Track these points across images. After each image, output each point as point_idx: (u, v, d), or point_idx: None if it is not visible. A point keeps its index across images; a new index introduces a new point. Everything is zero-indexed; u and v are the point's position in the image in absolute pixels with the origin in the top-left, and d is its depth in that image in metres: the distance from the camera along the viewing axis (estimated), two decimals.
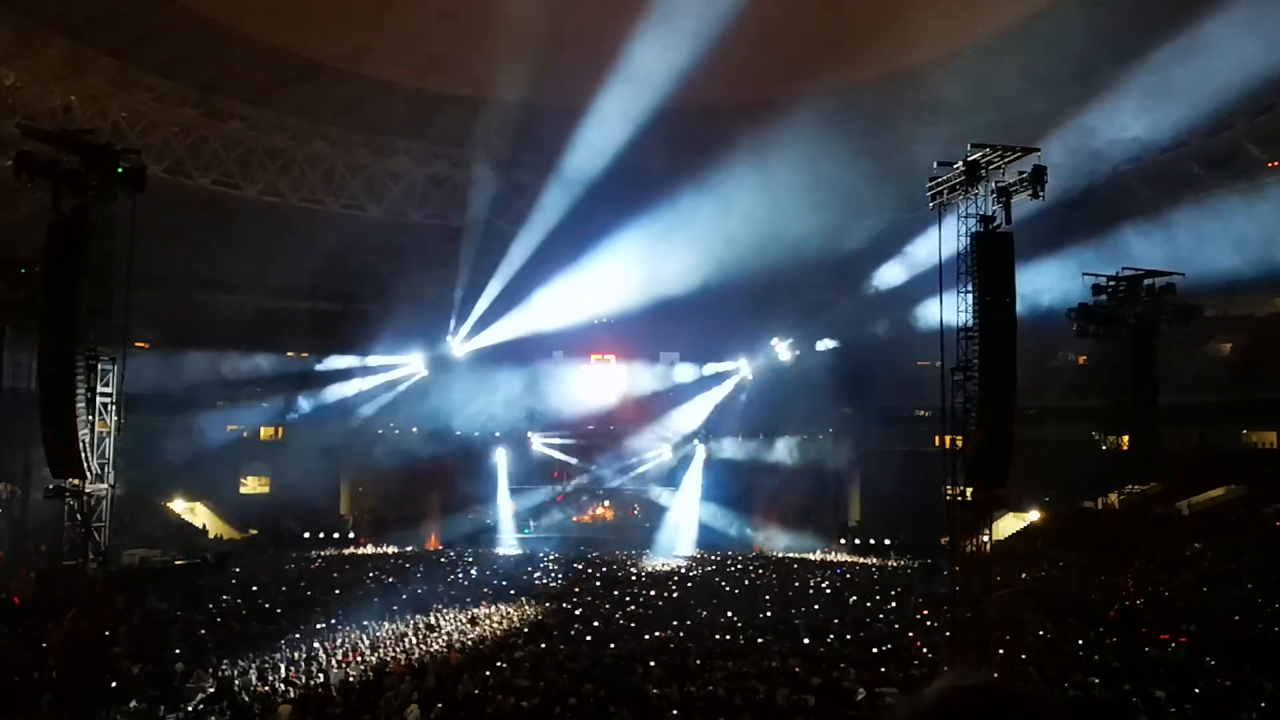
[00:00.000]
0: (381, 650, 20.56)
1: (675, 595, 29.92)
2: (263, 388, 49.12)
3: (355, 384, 47.45)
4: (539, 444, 49.13)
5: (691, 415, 49.47)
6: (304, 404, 45.55)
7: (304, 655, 19.74)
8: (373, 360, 47.57)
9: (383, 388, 47.91)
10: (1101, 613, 25.36)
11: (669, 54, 35.96)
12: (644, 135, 41.63)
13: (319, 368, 47.93)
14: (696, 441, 48.74)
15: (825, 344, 47.33)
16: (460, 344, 48.18)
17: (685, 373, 51.22)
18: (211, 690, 16.57)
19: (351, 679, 17.53)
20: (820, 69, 40.38)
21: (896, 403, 45.93)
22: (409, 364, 48.08)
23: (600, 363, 50.89)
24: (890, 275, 42.35)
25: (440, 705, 15.52)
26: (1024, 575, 31.55)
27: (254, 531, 42.83)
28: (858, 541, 43.85)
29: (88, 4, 37.62)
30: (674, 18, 34.56)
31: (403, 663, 19.18)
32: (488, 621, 24.72)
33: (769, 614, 26.15)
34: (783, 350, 47.88)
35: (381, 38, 39.73)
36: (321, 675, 17.85)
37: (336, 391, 47.12)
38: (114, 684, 16.85)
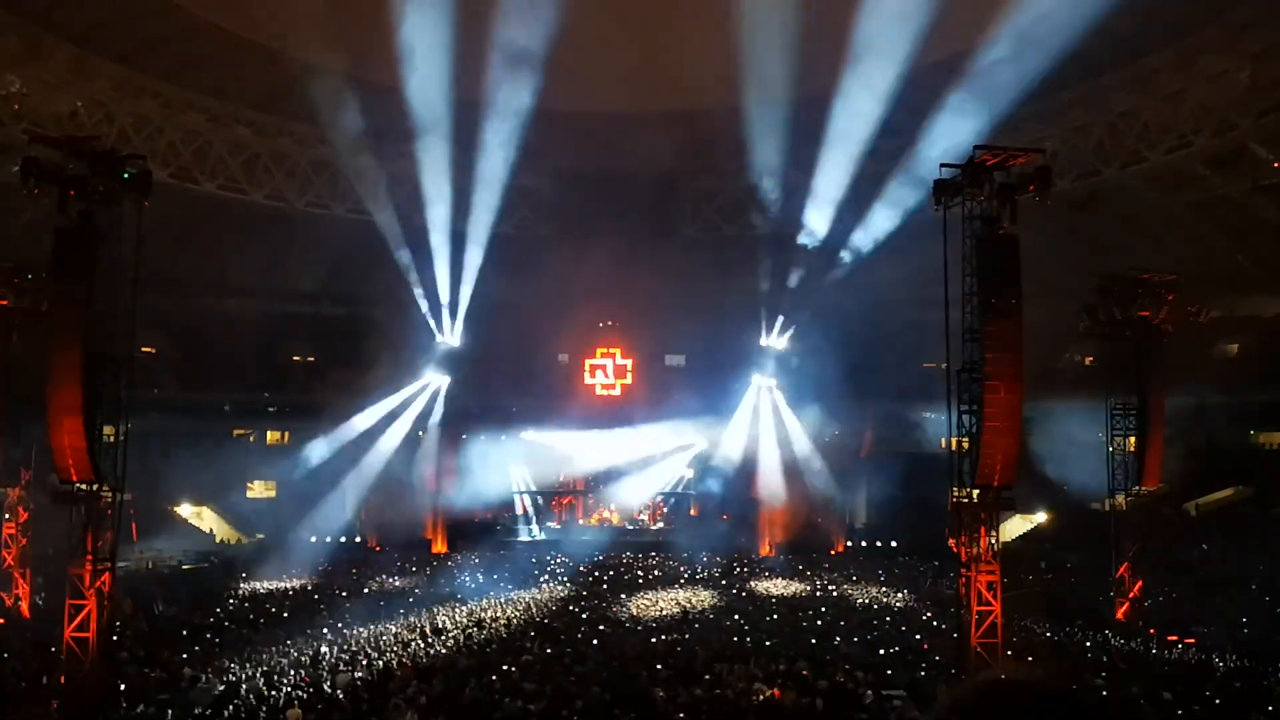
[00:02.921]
0: (389, 654, 20.56)
1: (679, 598, 29.89)
2: (269, 392, 49.21)
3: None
4: (543, 446, 49.02)
5: (696, 417, 49.33)
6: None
7: (311, 659, 19.78)
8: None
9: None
10: (1108, 614, 25.31)
11: (673, 54, 36.03)
12: (646, 137, 41.74)
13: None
14: (703, 443, 48.62)
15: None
16: (464, 345, 47.88)
17: (690, 375, 51.12)
18: (219, 694, 16.60)
19: (359, 682, 17.54)
20: (820, 70, 40.38)
21: (903, 404, 45.83)
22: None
23: (606, 357, 50.85)
24: (895, 276, 42.29)
25: (448, 708, 15.55)
26: (1030, 577, 31.51)
27: (261, 536, 42.86)
28: (864, 543, 43.78)
29: (93, 10, 37.77)
30: (676, 18, 34.65)
31: (409, 666, 19.20)
32: (494, 625, 24.74)
33: (775, 616, 26.12)
34: (781, 343, 47.51)
35: (383, 42, 39.78)
36: (329, 679, 17.87)
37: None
38: (122, 688, 16.88)
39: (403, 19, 36.03)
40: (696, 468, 48.43)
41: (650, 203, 51.37)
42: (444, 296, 45.68)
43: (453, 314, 46.26)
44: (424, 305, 45.85)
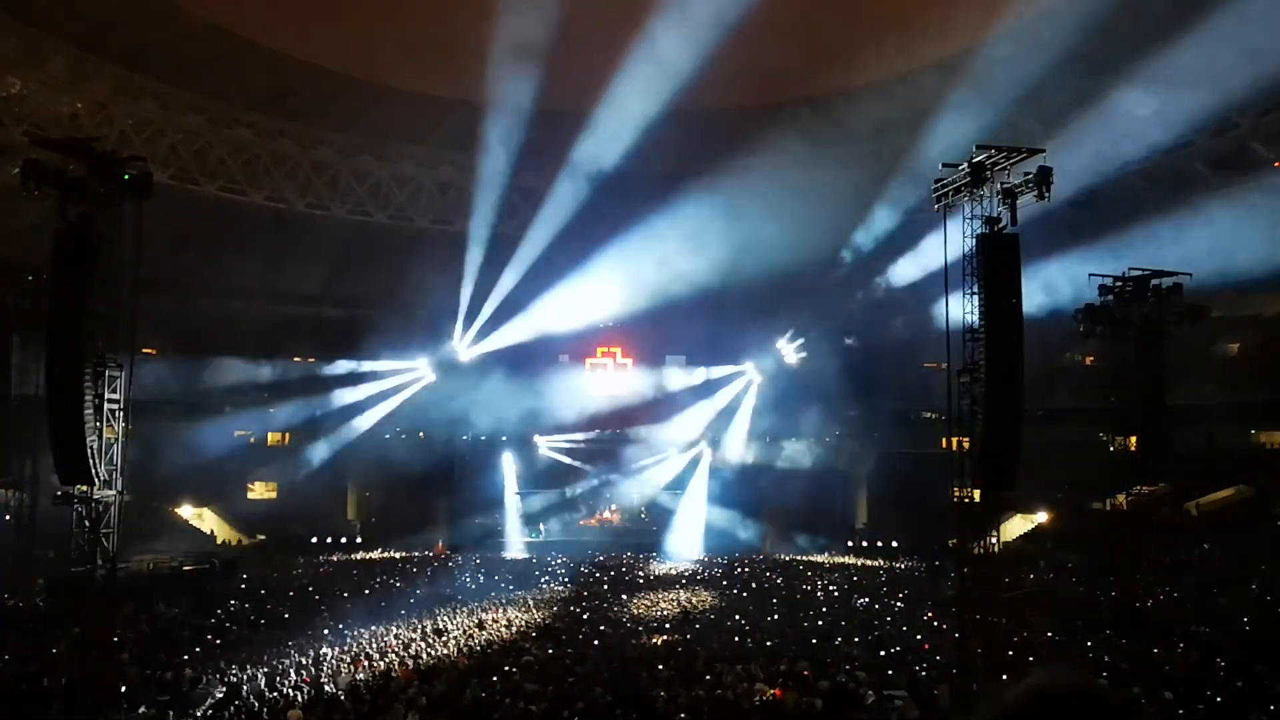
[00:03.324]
0: (390, 655, 20.56)
1: (682, 599, 29.90)
2: (270, 393, 49.19)
3: (364, 389, 47.22)
4: (545, 448, 49.09)
5: (698, 418, 49.35)
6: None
7: (312, 660, 19.78)
8: (381, 365, 47.40)
9: (390, 392, 47.76)
10: (1110, 614, 25.29)
11: (675, 56, 35.98)
12: (650, 138, 41.69)
13: (327, 371, 47.69)
14: (703, 444, 48.65)
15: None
16: (466, 348, 48.18)
17: (692, 376, 51.15)
18: (220, 696, 16.61)
19: (360, 684, 17.54)
20: (826, 70, 40.42)
21: (904, 405, 45.89)
22: (416, 369, 47.98)
23: (606, 357, 50.84)
24: (897, 277, 42.32)
25: (449, 709, 15.54)
26: (1031, 576, 31.49)
27: (261, 537, 42.90)
28: (864, 544, 43.78)
29: (94, 12, 37.77)
30: (680, 19, 34.62)
31: (410, 667, 19.21)
32: (495, 626, 24.74)
33: (776, 617, 26.12)
34: (789, 351, 47.80)
35: (386, 42, 39.83)
36: (330, 680, 17.87)
37: (344, 398, 46.82)
38: (123, 690, 16.88)
39: (403, 18, 36.02)
40: (699, 467, 48.38)
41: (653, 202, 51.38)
42: (450, 300, 45.89)
43: (453, 316, 46.41)
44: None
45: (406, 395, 47.92)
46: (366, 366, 47.46)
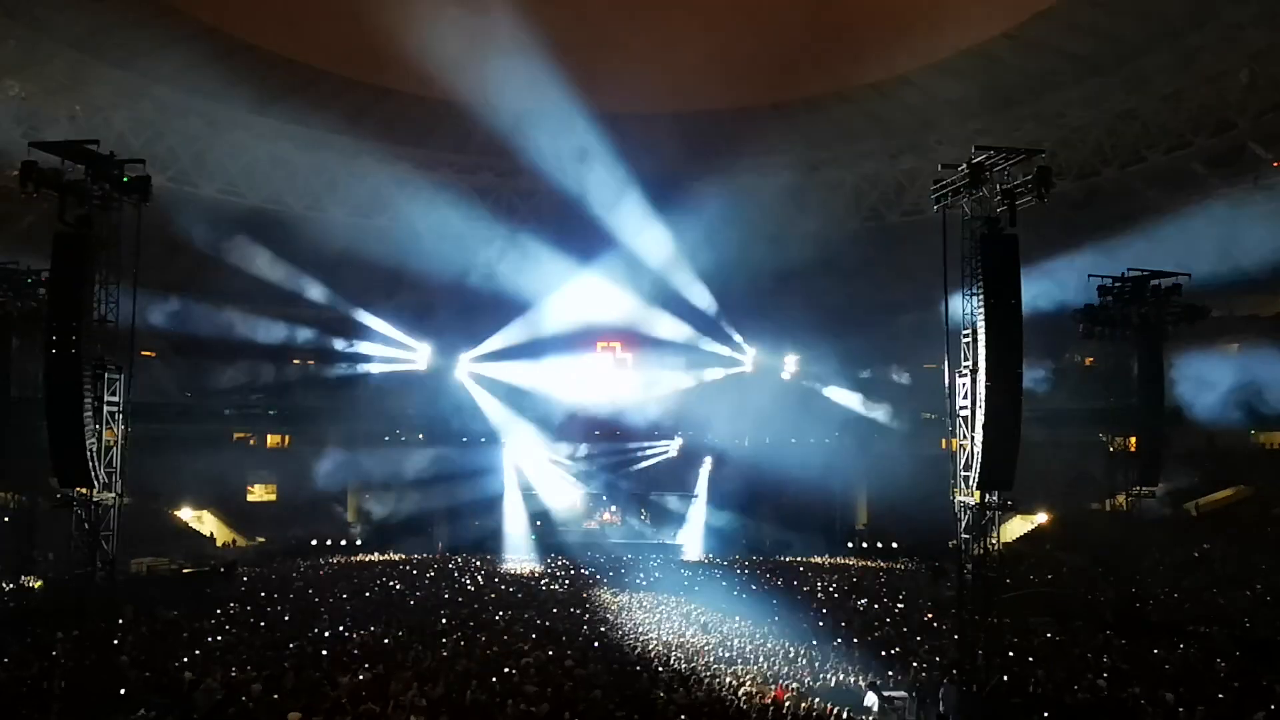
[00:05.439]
0: (390, 656, 20.51)
1: (683, 599, 29.86)
2: (270, 395, 49.21)
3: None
4: (544, 448, 49.04)
5: (697, 418, 49.31)
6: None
7: (313, 662, 19.74)
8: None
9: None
10: (1109, 615, 25.29)
11: (675, 56, 36.04)
12: (649, 139, 41.77)
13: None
14: (703, 444, 48.64)
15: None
16: (470, 360, 48.26)
17: (690, 376, 51.17)
18: (220, 698, 16.58)
19: (360, 685, 17.51)
20: (824, 72, 40.47)
21: (903, 405, 45.91)
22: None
23: (606, 351, 50.76)
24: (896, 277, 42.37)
25: (449, 711, 15.54)
26: (1032, 578, 31.48)
27: (261, 539, 42.87)
28: (865, 544, 43.75)
29: (93, 15, 37.78)
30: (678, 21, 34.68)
31: (411, 668, 19.16)
32: (496, 627, 24.69)
33: (776, 618, 26.09)
34: (790, 364, 47.97)
35: (384, 44, 39.79)
36: (330, 681, 17.83)
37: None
38: (122, 693, 16.86)
39: (401, 19, 36.01)
40: (699, 468, 48.32)
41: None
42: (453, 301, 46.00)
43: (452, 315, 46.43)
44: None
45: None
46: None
